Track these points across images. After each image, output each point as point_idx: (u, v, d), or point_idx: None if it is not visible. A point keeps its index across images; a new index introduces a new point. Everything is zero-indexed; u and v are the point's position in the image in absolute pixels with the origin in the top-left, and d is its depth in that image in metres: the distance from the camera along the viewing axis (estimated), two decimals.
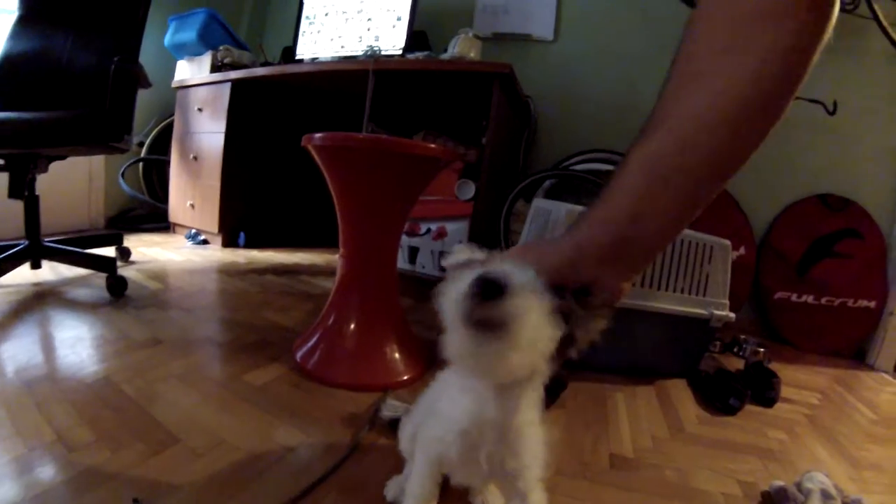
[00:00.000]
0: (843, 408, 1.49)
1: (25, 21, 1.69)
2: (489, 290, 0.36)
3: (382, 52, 2.08)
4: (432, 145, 1.05)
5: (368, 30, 2.23)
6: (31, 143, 1.40)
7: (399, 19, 2.16)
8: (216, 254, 2.23)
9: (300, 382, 1.03)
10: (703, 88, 0.36)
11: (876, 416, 1.49)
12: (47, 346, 1.12)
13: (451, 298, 0.39)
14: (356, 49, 2.21)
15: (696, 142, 0.36)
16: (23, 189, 1.51)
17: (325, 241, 2.65)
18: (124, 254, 1.92)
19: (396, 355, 1.12)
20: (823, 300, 2.01)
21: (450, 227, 1.83)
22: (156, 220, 2.61)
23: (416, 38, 2.14)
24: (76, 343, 1.13)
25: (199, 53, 2.38)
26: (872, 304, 2.02)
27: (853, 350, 2.07)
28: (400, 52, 2.08)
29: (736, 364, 1.64)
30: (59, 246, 1.59)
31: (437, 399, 0.56)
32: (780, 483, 0.87)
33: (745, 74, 0.35)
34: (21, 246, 1.49)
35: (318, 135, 1.02)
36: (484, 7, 2.44)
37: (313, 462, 0.76)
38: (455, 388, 0.51)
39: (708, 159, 0.37)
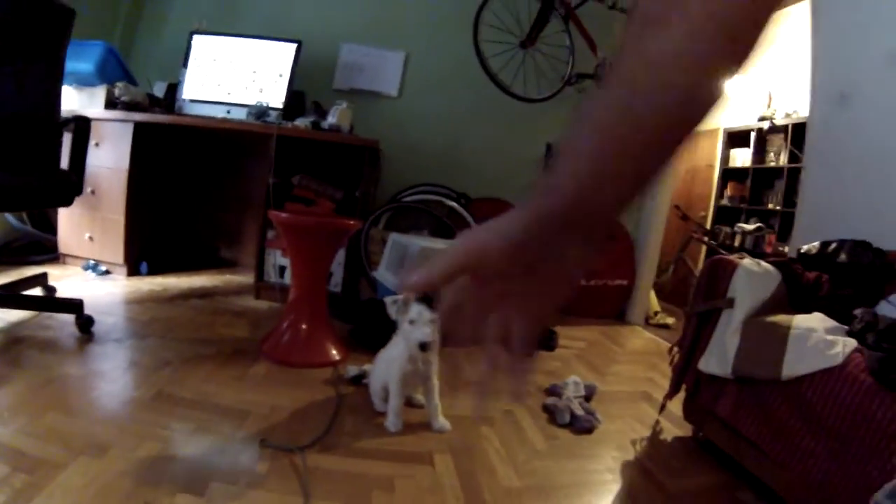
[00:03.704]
0: (601, 348, 2.65)
1: None
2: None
3: (267, 106, 2.69)
4: (352, 221, 1.85)
5: (253, 81, 2.82)
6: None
7: (280, 76, 2.79)
8: (130, 283, 2.68)
9: (282, 369, 1.79)
10: (658, 32, 0.32)
11: (622, 351, 2.68)
12: (86, 383, 1.56)
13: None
14: (241, 97, 2.79)
15: (650, 88, 0.32)
16: None
17: (211, 263, 3.32)
18: (50, 292, 2.28)
19: (331, 345, 1.95)
20: (592, 282, 3.23)
21: None
22: (41, 251, 2.85)
23: (294, 96, 2.81)
24: (104, 376, 1.61)
25: (93, 84, 2.69)
26: (626, 282, 3.28)
27: (616, 312, 3.35)
28: (280, 106, 2.73)
29: None
30: (29, 294, 2.00)
31: (390, 356, 1.47)
32: (554, 382, 1.86)
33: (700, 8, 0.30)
34: None
35: (283, 214, 1.74)
36: (344, 65, 3.24)
37: (326, 406, 1.55)
38: (400, 347, 1.43)
39: (664, 107, 0.32)
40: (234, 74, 2.84)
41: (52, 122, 1.99)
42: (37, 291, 2.24)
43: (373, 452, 1.34)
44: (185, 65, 2.87)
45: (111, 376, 1.63)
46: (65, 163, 1.99)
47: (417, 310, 1.40)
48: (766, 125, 4.15)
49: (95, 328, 1.95)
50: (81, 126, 1.94)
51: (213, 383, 1.62)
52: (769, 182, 4.28)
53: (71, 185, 1.86)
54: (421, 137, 3.30)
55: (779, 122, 4.05)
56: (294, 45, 2.83)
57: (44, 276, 2.27)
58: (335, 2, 3.24)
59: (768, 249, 3.91)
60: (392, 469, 1.27)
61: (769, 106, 4.23)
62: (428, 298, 1.41)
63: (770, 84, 4.23)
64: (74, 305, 1.93)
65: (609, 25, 2.94)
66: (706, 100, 0.33)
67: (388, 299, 1.45)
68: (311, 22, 3.19)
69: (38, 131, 1.94)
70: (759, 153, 4.32)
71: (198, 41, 2.89)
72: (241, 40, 2.87)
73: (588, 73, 2.98)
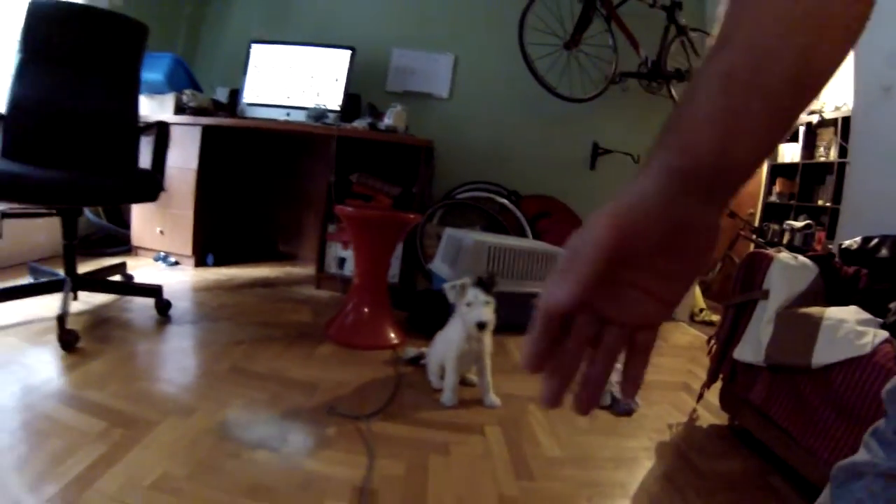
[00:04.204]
0: None
1: (28, 64, 1.98)
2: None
3: (325, 108, 2.90)
4: (412, 215, 2.01)
5: (311, 85, 3.03)
6: (92, 201, 2.03)
7: (336, 80, 3.00)
8: (198, 273, 2.95)
9: (345, 350, 2.00)
10: None
11: (666, 344, 2.77)
12: (168, 357, 1.83)
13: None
14: (299, 100, 3.01)
15: (774, 53, 0.32)
16: (75, 232, 2.05)
17: (271, 255, 3.59)
18: (128, 279, 2.55)
19: (390, 329, 2.14)
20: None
21: None
22: (115, 244, 3.15)
23: (350, 99, 3.01)
24: (184, 351, 1.88)
25: (162, 92, 2.98)
26: None
27: None
28: (338, 108, 2.93)
29: None
30: (114, 280, 2.28)
31: (447, 337, 1.64)
32: None
33: None
34: (67, 280, 2.01)
35: (349, 208, 1.93)
36: (396, 68, 3.44)
37: (387, 382, 1.74)
38: (457, 329, 1.60)
39: (789, 71, 0.32)
40: (292, 79, 3.06)
41: (132, 126, 2.24)
42: (116, 278, 2.50)
43: (430, 422, 1.52)
44: (245, 71, 3.12)
45: (190, 352, 1.88)
46: (143, 164, 2.25)
47: (474, 293, 1.57)
48: (815, 119, 4.12)
49: (171, 311, 2.19)
50: (163, 131, 2.18)
51: (282, 360, 1.83)
52: (820, 178, 4.23)
53: (156, 184, 2.10)
54: (472, 136, 3.50)
55: (828, 115, 4.01)
56: (348, 52, 3.03)
57: (123, 265, 2.53)
58: (384, 8, 3.46)
59: (818, 247, 3.88)
60: (447, 437, 1.44)
61: (818, 98, 4.18)
62: (483, 283, 1.58)
63: None
64: (154, 290, 2.18)
65: (651, 23, 3.02)
66: (827, 59, 0.33)
67: (446, 285, 1.62)
68: (361, 28, 3.41)
69: (121, 135, 2.20)
70: (809, 148, 4.28)
71: (257, 49, 3.13)
72: (297, 48, 3.09)
73: (631, 71, 3.07)
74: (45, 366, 1.59)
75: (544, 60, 2.84)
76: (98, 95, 2.14)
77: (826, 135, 4.13)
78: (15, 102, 1.95)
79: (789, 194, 4.50)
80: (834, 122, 3.94)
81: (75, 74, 2.09)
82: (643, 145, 3.36)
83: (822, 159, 4.15)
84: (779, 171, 4.67)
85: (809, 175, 4.31)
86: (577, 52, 2.91)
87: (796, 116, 0.34)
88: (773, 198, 4.69)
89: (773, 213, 4.66)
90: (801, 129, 4.31)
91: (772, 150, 0.35)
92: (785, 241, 4.19)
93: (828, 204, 4.00)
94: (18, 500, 0.97)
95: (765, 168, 4.78)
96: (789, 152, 4.54)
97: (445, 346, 1.67)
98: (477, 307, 1.56)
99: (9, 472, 1.06)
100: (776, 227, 4.48)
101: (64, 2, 2.15)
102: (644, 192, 0.33)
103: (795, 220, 4.27)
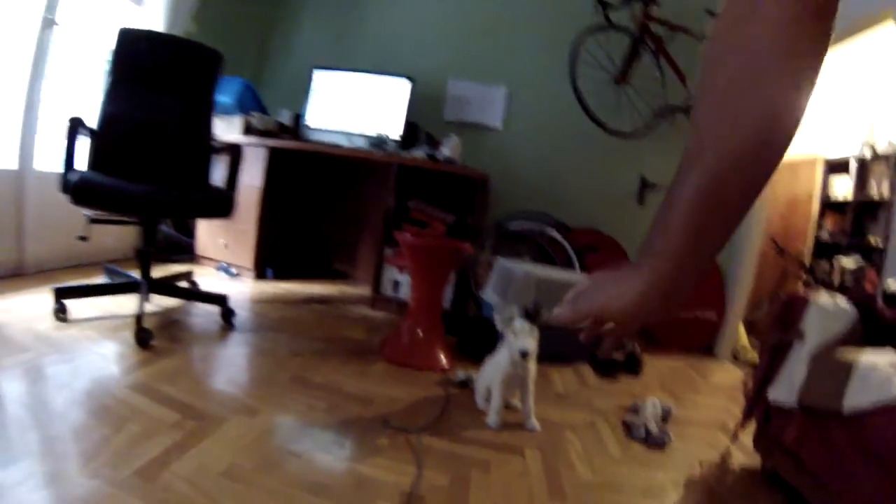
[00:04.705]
0: (684, 377, 2.79)
1: (118, 85, 2.25)
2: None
3: (386, 136, 3.09)
4: (467, 244, 2.19)
5: (371, 112, 3.23)
6: (175, 213, 2.34)
7: (396, 109, 3.19)
8: (257, 286, 3.19)
9: (398, 369, 2.15)
10: (731, 119, 0.42)
11: (705, 382, 2.81)
12: (233, 361, 2.05)
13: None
14: (359, 127, 3.21)
15: (735, 174, 0.43)
16: (153, 240, 2.27)
17: (325, 273, 3.79)
18: (195, 286, 2.77)
19: (442, 352, 2.29)
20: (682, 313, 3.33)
21: None
22: (179, 251, 3.42)
23: (409, 127, 3.19)
24: (247, 357, 2.08)
25: (231, 114, 3.24)
26: (714, 316, 3.35)
27: (705, 346, 3.41)
28: (398, 137, 3.12)
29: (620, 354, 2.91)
30: (183, 286, 2.52)
31: (495, 362, 1.79)
32: (635, 402, 2.08)
33: (768, 95, 0.41)
34: (143, 283, 2.19)
35: (409, 236, 2.10)
36: (452, 98, 3.61)
37: (437, 401, 1.88)
38: (504, 355, 1.75)
39: (745, 187, 0.44)
40: (352, 105, 3.28)
41: (207, 145, 2.49)
42: (183, 284, 2.72)
43: (474, 441, 1.66)
44: (307, 96, 3.35)
45: (252, 359, 2.08)
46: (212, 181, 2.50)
47: (520, 324, 1.72)
48: (868, 154, 4.08)
49: (234, 320, 2.37)
50: (236, 152, 2.41)
51: (340, 374, 2.01)
52: (872, 215, 4.17)
53: (231, 202, 2.32)
54: (523, 167, 3.62)
55: (882, 151, 3.96)
56: (408, 82, 3.23)
57: (190, 272, 2.78)
58: (441, 39, 3.66)
59: (868, 286, 3.83)
60: (489, 455, 1.58)
61: (871, 135, 4.14)
62: (529, 313, 1.72)
63: (872, 111, 4.16)
64: (221, 299, 2.38)
65: (697, 57, 3.10)
66: (773, 170, 0.45)
67: (495, 314, 1.76)
68: (419, 58, 3.61)
69: (197, 153, 2.45)
70: (861, 184, 4.23)
71: (319, 75, 3.36)
72: (358, 75, 3.31)
73: (678, 105, 3.15)
74: (121, 359, 1.81)
75: (594, 95, 2.96)
76: (178, 116, 2.42)
77: (879, 169, 4.07)
78: (105, 120, 2.21)
79: (840, 231, 4.45)
80: (887, 158, 3.89)
81: (159, 96, 2.38)
82: None
83: (875, 197, 4.09)
84: (830, 207, 4.62)
85: (862, 212, 4.25)
86: (625, 87, 3.02)
87: (750, 208, 0.47)
88: (824, 234, 4.64)
89: (824, 250, 4.60)
90: (854, 165, 4.27)
91: (730, 238, 0.49)
92: (835, 280, 4.13)
93: (880, 242, 3.95)
94: (103, 473, 1.15)
95: (815, 204, 4.73)
96: (841, 188, 4.48)
97: (493, 371, 1.81)
98: (522, 336, 1.70)
99: (94, 447, 1.24)
100: (826, 264, 4.43)
101: (151, 31, 2.46)
102: (630, 296, 0.49)
103: (846, 257, 4.21)
